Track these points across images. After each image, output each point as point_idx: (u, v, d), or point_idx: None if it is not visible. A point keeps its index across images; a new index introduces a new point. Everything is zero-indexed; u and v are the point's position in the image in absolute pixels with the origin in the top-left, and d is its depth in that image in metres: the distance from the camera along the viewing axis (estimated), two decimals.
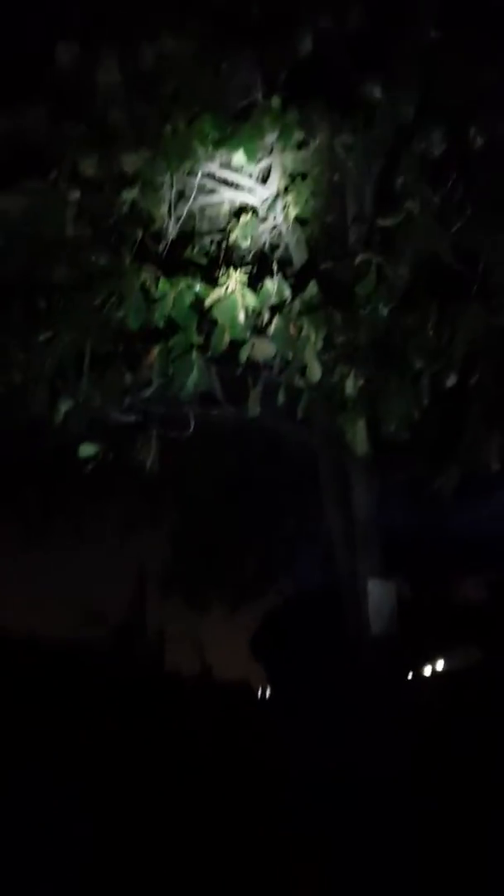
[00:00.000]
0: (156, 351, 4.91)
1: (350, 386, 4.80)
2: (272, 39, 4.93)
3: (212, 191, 5.38)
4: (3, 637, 12.28)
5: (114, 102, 4.77)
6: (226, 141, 4.88)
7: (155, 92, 4.86)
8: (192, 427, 5.44)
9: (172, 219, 5.19)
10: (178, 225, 5.23)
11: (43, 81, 4.85)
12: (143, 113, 4.82)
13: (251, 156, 4.89)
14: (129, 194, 4.87)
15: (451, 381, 4.52)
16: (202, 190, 5.31)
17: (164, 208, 5.14)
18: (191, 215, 5.37)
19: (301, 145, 4.89)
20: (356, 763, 5.74)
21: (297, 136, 4.80)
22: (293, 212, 5.25)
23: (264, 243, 5.62)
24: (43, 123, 4.74)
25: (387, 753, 5.72)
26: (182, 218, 5.24)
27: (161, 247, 5.17)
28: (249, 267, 5.29)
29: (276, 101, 4.78)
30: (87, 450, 5.22)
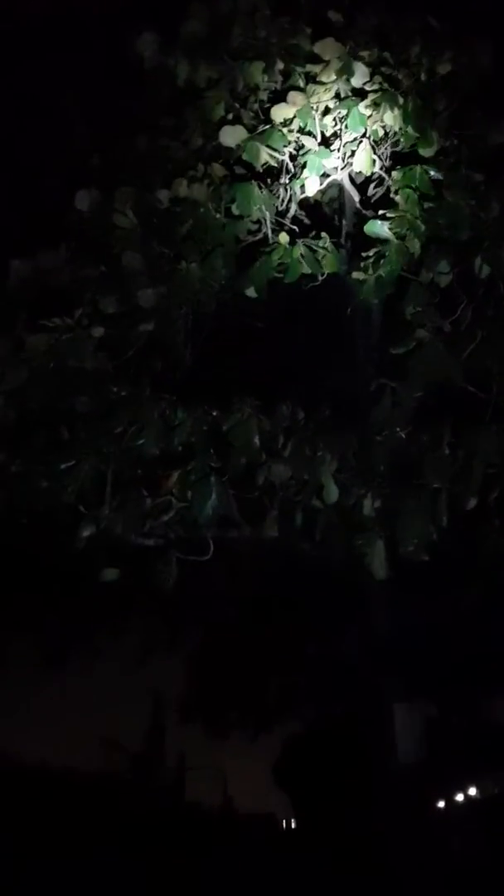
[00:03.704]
0: (175, 476, 4.98)
1: (367, 506, 4.82)
2: (280, 179, 5.25)
3: (225, 319, 5.58)
4: (16, 767, 11.92)
5: (130, 244, 5.04)
6: (237, 275, 5.12)
7: (169, 232, 5.14)
8: (211, 550, 5.44)
9: (188, 348, 5.38)
10: (195, 353, 5.43)
11: (64, 227, 5.14)
12: (158, 252, 5.08)
13: (261, 290, 5.10)
14: (146, 327, 5.07)
15: (471, 503, 4.53)
16: (216, 319, 5.52)
17: (180, 339, 5.34)
18: (205, 343, 5.56)
19: (310, 278, 5.10)
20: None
21: (305, 270, 5.01)
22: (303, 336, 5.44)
23: (276, 366, 5.79)
24: (65, 266, 5.00)
25: (417, 885, 5.47)
26: (197, 347, 5.43)
27: (178, 375, 5.34)
28: (263, 390, 5.43)
29: (283, 238, 5.04)
30: (110, 574, 5.21)
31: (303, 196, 5.25)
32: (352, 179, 5.37)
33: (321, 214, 5.65)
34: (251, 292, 5.07)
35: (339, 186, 5.51)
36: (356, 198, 5.42)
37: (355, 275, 4.98)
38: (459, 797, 9.26)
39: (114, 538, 5.05)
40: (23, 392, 4.93)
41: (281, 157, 5.08)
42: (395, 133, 5.08)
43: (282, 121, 4.98)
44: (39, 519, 5.06)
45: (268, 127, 5.03)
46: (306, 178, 5.04)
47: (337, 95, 4.98)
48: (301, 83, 5.08)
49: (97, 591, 5.44)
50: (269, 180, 5.21)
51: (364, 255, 4.98)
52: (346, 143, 5.04)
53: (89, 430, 5.01)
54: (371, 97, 4.95)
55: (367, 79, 4.96)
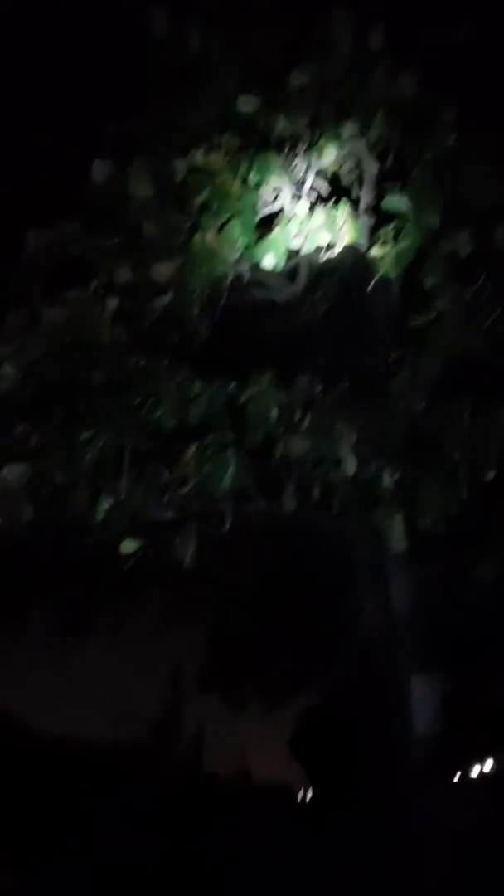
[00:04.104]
0: (192, 449, 4.97)
1: (386, 479, 4.80)
2: (298, 148, 5.19)
3: (242, 291, 5.54)
4: (36, 738, 12.08)
5: (147, 214, 5.01)
6: (254, 246, 5.09)
7: (186, 202, 5.10)
8: (228, 523, 5.44)
9: (205, 320, 5.36)
10: (211, 326, 5.40)
11: (80, 197, 5.11)
12: (175, 223, 5.05)
13: (279, 258, 5.06)
14: (163, 300, 5.05)
15: (489, 475, 4.50)
16: (232, 291, 5.48)
17: (196, 311, 5.31)
18: (222, 316, 5.53)
19: (328, 247, 5.06)
20: (405, 870, 5.51)
21: (324, 239, 4.97)
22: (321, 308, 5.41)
23: (294, 339, 5.75)
24: (81, 237, 4.98)
25: (436, 859, 5.49)
26: (214, 319, 5.40)
27: (195, 347, 5.32)
28: (280, 364, 5.40)
29: (301, 207, 5.00)
30: (128, 546, 5.23)
31: (320, 166, 5.19)
32: (369, 148, 5.29)
33: (339, 185, 5.59)
34: (269, 262, 5.04)
35: (358, 157, 5.44)
36: (374, 168, 5.35)
37: (374, 251, 4.94)
38: (476, 771, 9.35)
39: (132, 511, 5.06)
40: (40, 365, 4.93)
41: (297, 127, 5.03)
42: (413, 100, 5.01)
43: (298, 87, 4.92)
44: (58, 491, 5.08)
45: (284, 94, 4.97)
46: (324, 146, 4.99)
47: (354, 61, 4.91)
48: (317, 49, 5.01)
49: (114, 564, 5.46)
50: (286, 149, 5.16)
51: (383, 229, 4.93)
52: (364, 109, 4.97)
53: (106, 402, 5.01)
54: (388, 63, 4.88)
55: (384, 44, 4.89)
